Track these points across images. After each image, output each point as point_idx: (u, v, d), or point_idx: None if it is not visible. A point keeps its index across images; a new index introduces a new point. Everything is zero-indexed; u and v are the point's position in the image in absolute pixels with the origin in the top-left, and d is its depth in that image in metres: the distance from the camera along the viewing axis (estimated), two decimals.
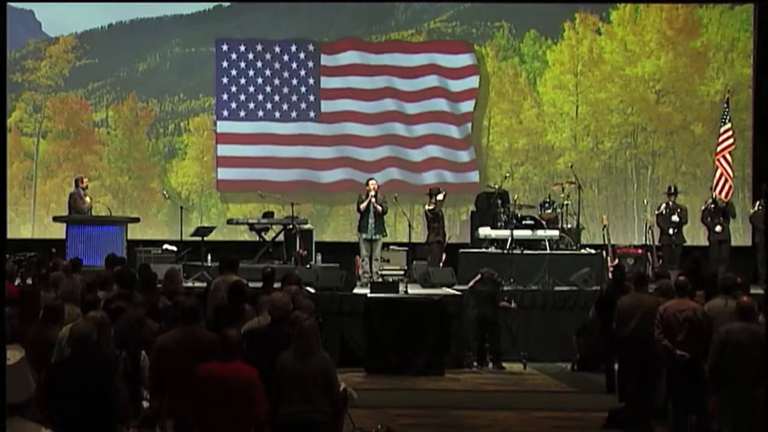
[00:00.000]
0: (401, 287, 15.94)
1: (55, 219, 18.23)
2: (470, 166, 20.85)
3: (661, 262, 17.91)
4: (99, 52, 20.92)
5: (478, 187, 20.43)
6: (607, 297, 13.23)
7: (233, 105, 20.69)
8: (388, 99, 20.87)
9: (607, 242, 18.19)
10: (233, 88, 20.71)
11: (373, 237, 17.33)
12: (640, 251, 18.35)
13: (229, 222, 19.51)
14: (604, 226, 18.44)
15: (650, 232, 18.23)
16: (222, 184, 20.83)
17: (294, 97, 20.79)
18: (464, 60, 20.91)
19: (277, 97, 20.79)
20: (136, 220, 18.57)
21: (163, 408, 8.49)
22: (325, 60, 20.85)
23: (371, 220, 17.26)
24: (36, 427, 5.22)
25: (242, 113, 20.68)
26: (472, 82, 20.87)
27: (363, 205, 17.35)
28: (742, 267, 16.90)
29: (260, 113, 20.71)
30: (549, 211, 18.47)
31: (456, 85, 20.90)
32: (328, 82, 20.84)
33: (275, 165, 20.63)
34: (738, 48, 21.08)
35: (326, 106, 20.82)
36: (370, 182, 17.57)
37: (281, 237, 18.86)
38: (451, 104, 20.89)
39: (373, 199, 17.25)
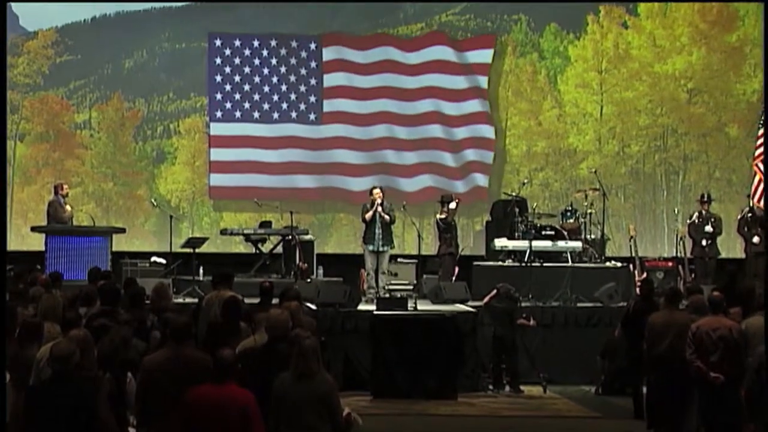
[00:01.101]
0: (410, 303, 15.92)
1: (34, 229, 18.25)
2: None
3: (693, 276, 17.89)
4: (81, 47, 20.97)
5: (486, 193, 20.46)
6: (634, 314, 13.20)
7: (228, 105, 20.72)
8: (427, 100, 20.86)
9: (634, 254, 18.16)
10: (227, 87, 20.75)
11: (380, 249, 17.31)
12: (670, 264, 18.32)
13: (223, 232, 19.52)
14: (631, 236, 18.41)
15: (681, 243, 18.19)
16: (215, 191, 20.85)
17: (293, 96, 20.81)
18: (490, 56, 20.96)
19: (275, 97, 20.80)
20: (122, 230, 18.58)
21: None
22: (331, 55, 20.84)
23: (378, 231, 17.24)
24: None
25: (237, 114, 20.70)
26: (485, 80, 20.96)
27: (369, 215, 17.30)
28: None
29: (257, 114, 20.73)
30: (571, 220, 18.48)
31: (485, 83, 20.94)
32: (341, 80, 20.81)
33: (275, 171, 20.62)
34: None
35: (332, 105, 20.81)
36: (374, 190, 17.55)
37: (280, 249, 18.88)
38: (482, 103, 20.88)
39: (380, 208, 17.22)
